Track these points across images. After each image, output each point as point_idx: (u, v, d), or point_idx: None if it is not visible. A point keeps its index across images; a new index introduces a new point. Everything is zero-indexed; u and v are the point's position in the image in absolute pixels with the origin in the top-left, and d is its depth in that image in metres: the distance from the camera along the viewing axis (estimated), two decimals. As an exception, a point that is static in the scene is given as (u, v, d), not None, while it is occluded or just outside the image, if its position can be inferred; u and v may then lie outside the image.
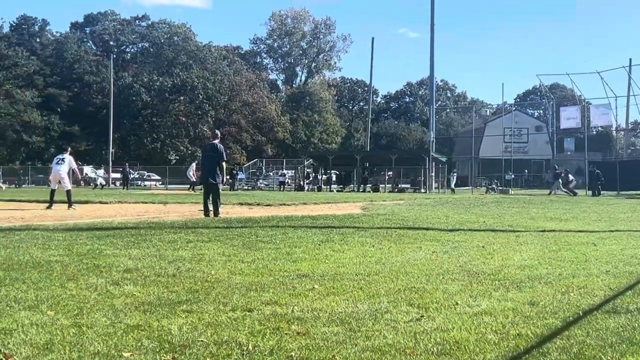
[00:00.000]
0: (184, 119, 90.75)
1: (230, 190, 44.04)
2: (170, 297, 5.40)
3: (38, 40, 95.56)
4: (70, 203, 19.48)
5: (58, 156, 21.12)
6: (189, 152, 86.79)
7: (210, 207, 14.98)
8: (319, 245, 9.17)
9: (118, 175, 56.38)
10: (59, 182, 20.22)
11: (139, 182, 64.29)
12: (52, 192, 20.00)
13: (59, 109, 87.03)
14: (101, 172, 56.88)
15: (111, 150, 71.56)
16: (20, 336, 4.19)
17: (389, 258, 7.98)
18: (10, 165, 76.09)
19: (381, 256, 8.14)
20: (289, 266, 7.21)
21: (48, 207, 18.85)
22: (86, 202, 22.36)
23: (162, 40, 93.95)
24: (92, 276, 6.38)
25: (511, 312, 4.99)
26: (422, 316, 4.83)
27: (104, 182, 52.98)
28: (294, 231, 11.07)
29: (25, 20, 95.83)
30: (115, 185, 56.35)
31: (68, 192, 20.05)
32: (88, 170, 69.38)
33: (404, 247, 9.15)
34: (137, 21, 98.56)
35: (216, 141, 15.75)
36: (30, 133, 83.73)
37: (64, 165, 20.44)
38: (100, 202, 22.43)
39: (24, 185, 61.92)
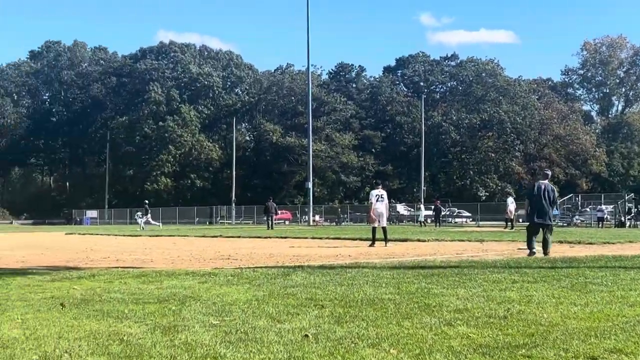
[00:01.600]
0: (492, 154, 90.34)
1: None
2: (507, 340, 5.31)
3: (354, 85, 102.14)
4: (387, 240, 19.91)
5: (376, 192, 20.43)
6: (499, 188, 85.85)
7: (536, 246, 14.65)
8: (658, 289, 8.47)
9: (430, 213, 57.39)
10: (379, 219, 20.13)
11: (450, 219, 65.03)
12: (374, 229, 20.09)
13: (373, 150, 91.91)
14: (423, 207, 57.55)
15: (423, 188, 73.38)
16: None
17: None
18: (331, 204, 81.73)
19: None
20: (627, 311, 6.74)
21: (371, 245, 19.55)
22: (405, 239, 23.04)
23: (471, 78, 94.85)
24: (425, 315, 6.51)
25: None
26: None
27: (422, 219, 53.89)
28: (625, 272, 10.35)
29: (343, 68, 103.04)
30: (427, 222, 57.46)
31: (384, 229, 20.00)
32: (401, 208, 71.81)
33: None
34: (445, 61, 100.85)
35: (547, 181, 15.59)
36: (348, 173, 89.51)
37: (385, 201, 20.50)
38: (419, 240, 22.92)
39: (343, 223, 65.69)
